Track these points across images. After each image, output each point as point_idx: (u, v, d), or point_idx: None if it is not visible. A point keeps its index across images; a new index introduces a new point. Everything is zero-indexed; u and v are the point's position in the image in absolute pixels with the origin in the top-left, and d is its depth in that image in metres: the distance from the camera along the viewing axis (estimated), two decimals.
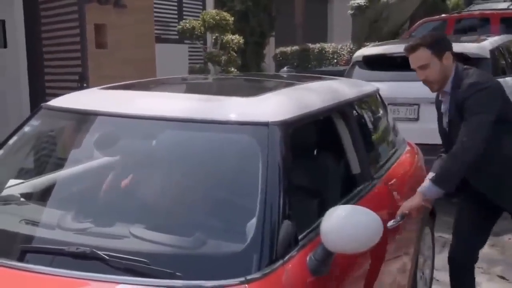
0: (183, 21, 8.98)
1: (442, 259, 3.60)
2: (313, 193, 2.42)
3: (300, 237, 1.89)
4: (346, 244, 1.80)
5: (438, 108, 2.90)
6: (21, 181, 2.51)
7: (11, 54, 6.55)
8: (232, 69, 8.78)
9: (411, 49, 2.70)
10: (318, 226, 1.88)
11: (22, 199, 2.34)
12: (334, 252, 1.82)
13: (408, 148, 3.58)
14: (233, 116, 2.05)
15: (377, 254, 2.35)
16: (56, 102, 2.41)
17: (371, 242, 1.86)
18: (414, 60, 2.70)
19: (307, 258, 1.82)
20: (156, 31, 8.00)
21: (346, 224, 1.80)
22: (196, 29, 8.50)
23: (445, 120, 2.81)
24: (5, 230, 2.00)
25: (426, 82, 2.73)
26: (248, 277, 1.63)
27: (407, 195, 2.91)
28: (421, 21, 10.16)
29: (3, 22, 6.60)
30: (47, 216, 2.13)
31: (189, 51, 10.10)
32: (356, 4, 12.54)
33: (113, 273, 1.66)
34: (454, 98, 2.68)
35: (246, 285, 1.62)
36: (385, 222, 2.23)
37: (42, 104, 2.42)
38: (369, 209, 1.89)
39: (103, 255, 1.69)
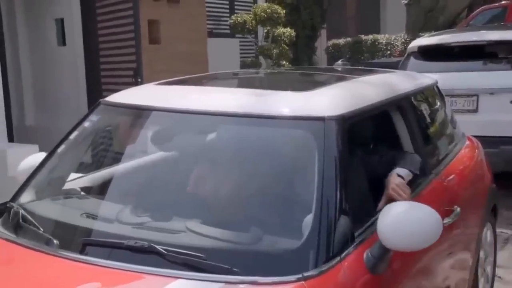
0: (235, 15, 9.02)
1: (503, 255, 3.46)
2: (370, 188, 2.38)
3: (356, 233, 1.85)
4: (404, 242, 1.77)
5: None
6: (81, 175, 2.59)
7: (70, 52, 6.75)
8: (284, 62, 8.76)
9: None
10: (374, 222, 1.85)
11: (82, 193, 2.41)
12: (391, 249, 1.78)
13: (467, 142, 3.46)
14: (289, 111, 2.03)
15: (436, 250, 2.29)
16: (114, 98, 2.45)
17: (431, 240, 1.81)
18: None
19: (364, 255, 1.79)
20: (208, 26, 8.05)
21: (404, 221, 1.76)
22: (247, 23, 8.52)
23: None
24: (67, 223, 2.07)
25: None
26: (305, 274, 1.61)
27: (467, 191, 2.80)
28: (479, 9, 9.78)
29: (62, 20, 6.81)
30: (106, 210, 2.18)
31: (240, 45, 10.14)
32: None
33: (170, 267, 1.68)
34: None
35: (303, 282, 1.60)
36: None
37: (100, 100, 2.48)
38: (427, 205, 1.84)
39: (161, 250, 1.71)
